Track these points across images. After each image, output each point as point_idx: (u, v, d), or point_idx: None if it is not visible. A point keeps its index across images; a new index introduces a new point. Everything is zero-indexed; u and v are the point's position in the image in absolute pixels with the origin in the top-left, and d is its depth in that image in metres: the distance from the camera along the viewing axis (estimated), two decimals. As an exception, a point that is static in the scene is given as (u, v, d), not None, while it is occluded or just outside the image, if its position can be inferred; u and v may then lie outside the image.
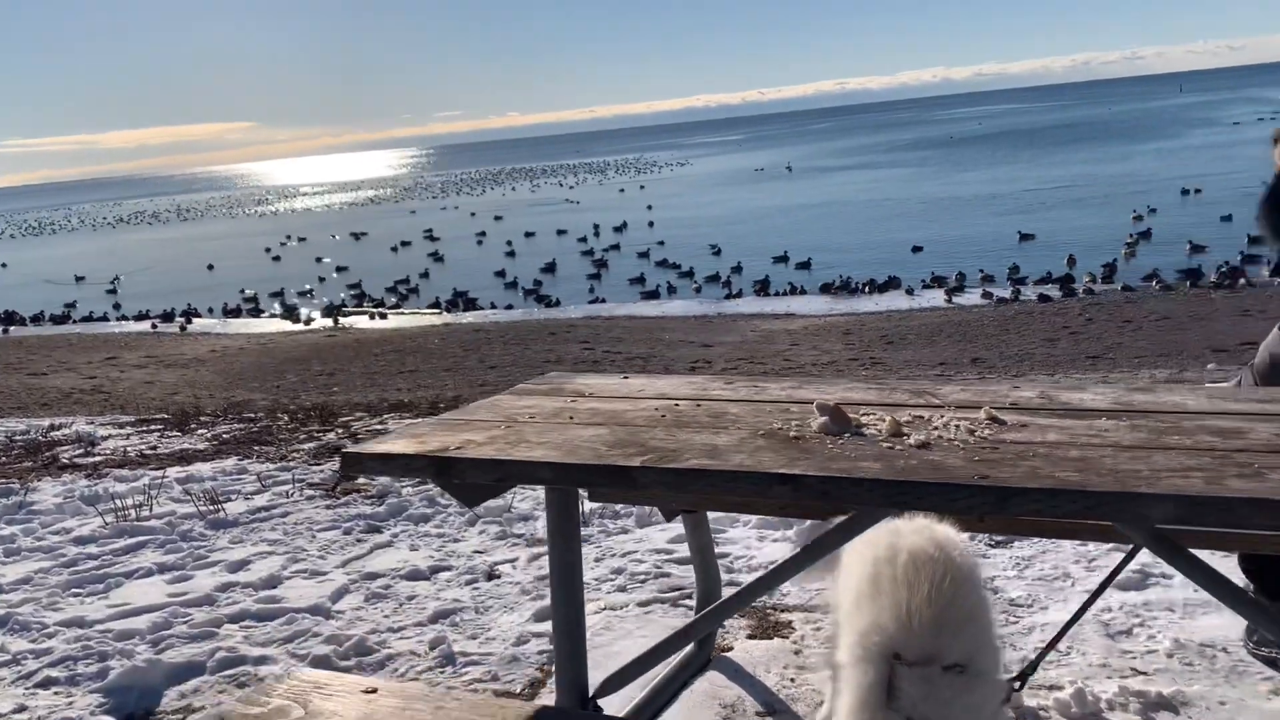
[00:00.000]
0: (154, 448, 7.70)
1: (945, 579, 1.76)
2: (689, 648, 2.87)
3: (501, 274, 31.60)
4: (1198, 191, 35.75)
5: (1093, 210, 34.29)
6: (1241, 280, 19.54)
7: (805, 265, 28.04)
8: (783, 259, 29.26)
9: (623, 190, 67.72)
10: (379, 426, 8.22)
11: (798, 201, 48.13)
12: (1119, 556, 2.69)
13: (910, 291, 22.51)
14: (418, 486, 5.30)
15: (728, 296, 24.65)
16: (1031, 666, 2.44)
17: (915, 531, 1.89)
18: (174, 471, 6.23)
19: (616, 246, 35.92)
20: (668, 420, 2.21)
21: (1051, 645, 2.63)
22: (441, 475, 2.08)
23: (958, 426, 2.01)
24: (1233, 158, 47.15)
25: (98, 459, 7.23)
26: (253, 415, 9.58)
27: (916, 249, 28.98)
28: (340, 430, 8.03)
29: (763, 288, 24.92)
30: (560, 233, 43.11)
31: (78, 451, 7.62)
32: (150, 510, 5.01)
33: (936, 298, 21.71)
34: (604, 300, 26.01)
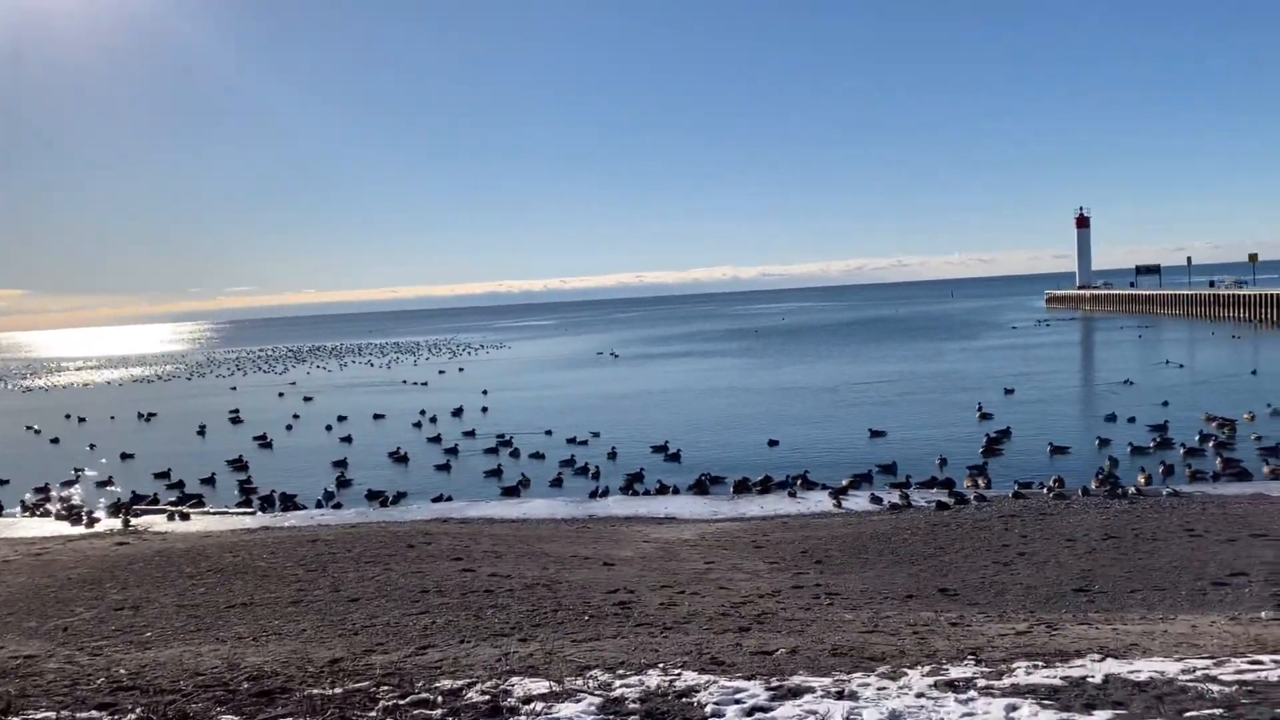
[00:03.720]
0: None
1: None
2: None
3: (342, 463, 28.35)
4: (1011, 391, 37.13)
5: (931, 407, 34.74)
6: (1132, 489, 19.27)
7: (675, 457, 26.37)
8: (662, 448, 27.60)
9: (442, 372, 65.12)
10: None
11: (638, 388, 47.05)
12: None
13: (793, 494, 21.05)
14: None
15: (593, 494, 22.42)
16: None
17: None
18: None
19: (472, 433, 33.39)
20: None
21: None
22: None
23: None
24: (1030, 359, 50.24)
25: None
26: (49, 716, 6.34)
27: (773, 443, 28.02)
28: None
29: (629, 484, 22.88)
30: (378, 416, 39.82)
31: None
32: None
33: (822, 501, 20.32)
34: (450, 498, 23.09)
